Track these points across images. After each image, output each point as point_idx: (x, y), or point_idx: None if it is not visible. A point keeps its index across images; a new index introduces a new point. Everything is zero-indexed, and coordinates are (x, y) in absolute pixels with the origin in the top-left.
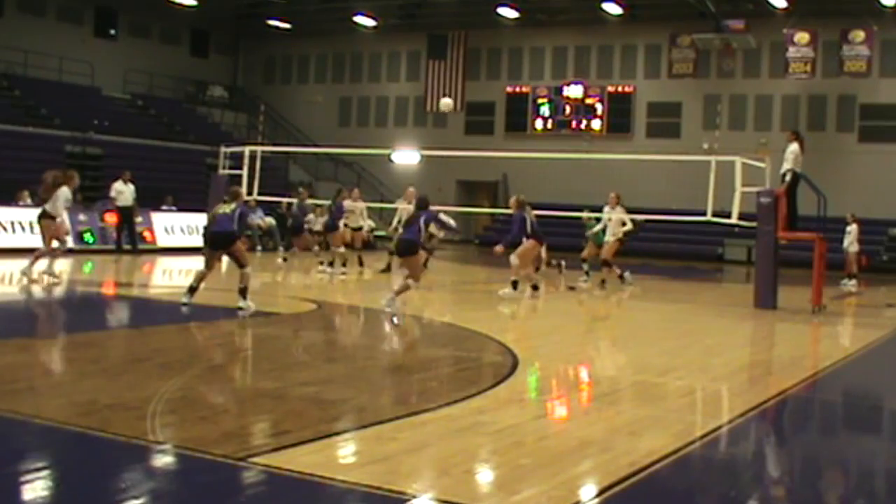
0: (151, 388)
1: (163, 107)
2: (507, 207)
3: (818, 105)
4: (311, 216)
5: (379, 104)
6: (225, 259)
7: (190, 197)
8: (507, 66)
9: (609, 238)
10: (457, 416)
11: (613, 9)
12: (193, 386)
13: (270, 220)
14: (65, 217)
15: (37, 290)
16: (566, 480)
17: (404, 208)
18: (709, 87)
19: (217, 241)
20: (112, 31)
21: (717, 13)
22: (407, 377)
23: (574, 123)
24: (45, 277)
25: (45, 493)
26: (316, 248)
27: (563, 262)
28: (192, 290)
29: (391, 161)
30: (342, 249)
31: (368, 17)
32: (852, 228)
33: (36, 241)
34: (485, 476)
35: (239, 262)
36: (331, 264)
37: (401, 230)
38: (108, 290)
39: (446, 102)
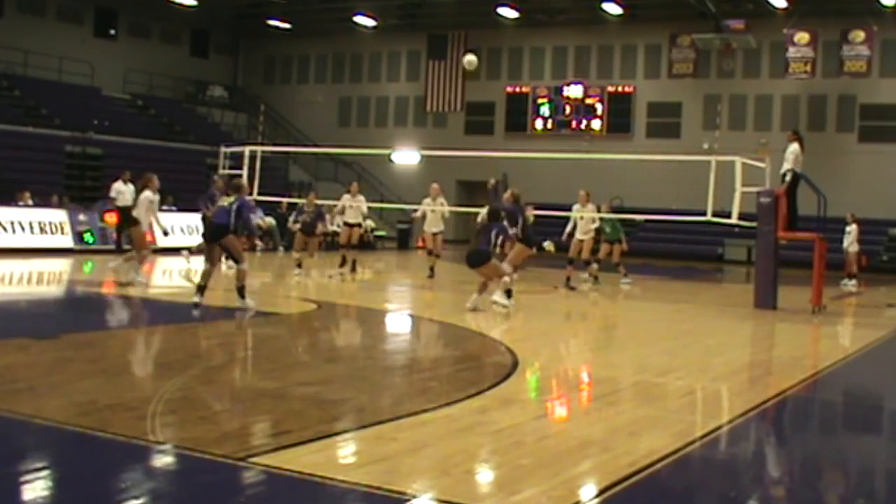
0: (151, 388)
1: (163, 107)
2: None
3: (818, 105)
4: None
5: (379, 104)
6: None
7: (190, 197)
8: (507, 66)
9: (584, 237)
10: (457, 416)
11: (613, 9)
12: (193, 386)
13: (270, 220)
14: (153, 219)
15: (126, 292)
16: (566, 480)
17: (428, 205)
18: (709, 87)
19: (212, 233)
20: (112, 31)
21: (717, 13)
22: (407, 377)
23: (574, 123)
24: (136, 280)
25: (45, 493)
26: (295, 254)
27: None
28: (202, 289)
29: (391, 161)
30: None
31: (368, 17)
32: (852, 228)
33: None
34: (485, 476)
35: (233, 257)
36: (299, 265)
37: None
38: (108, 290)
39: (470, 60)
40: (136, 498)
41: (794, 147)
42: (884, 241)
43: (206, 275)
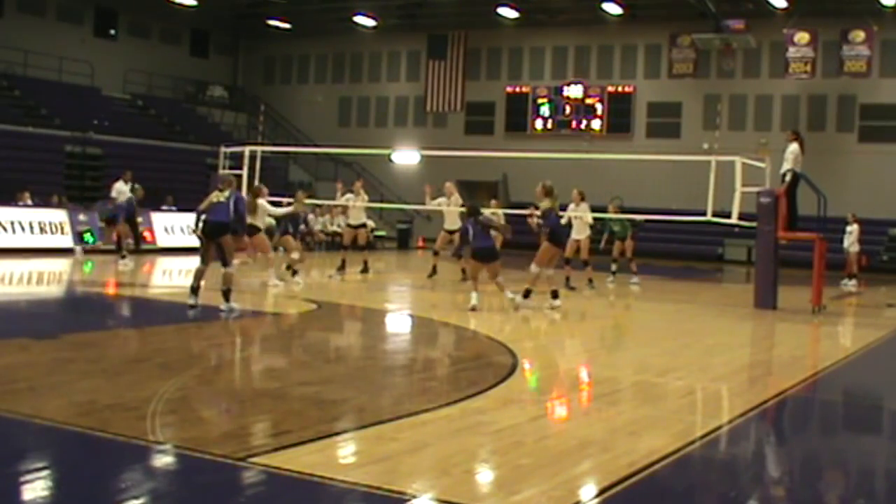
0: (151, 388)
1: (163, 107)
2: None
3: (818, 105)
4: (311, 217)
5: (379, 104)
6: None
7: (190, 197)
8: (507, 66)
9: (580, 236)
10: (457, 416)
11: (613, 9)
12: (193, 386)
13: (270, 221)
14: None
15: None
16: (566, 480)
17: (444, 204)
18: (709, 87)
19: (211, 231)
20: (112, 31)
21: (717, 13)
22: (407, 377)
23: (574, 123)
24: (274, 284)
25: (45, 493)
26: (270, 254)
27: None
28: (195, 290)
29: (391, 161)
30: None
31: (368, 17)
32: (853, 228)
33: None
34: (485, 476)
35: (223, 258)
36: (292, 270)
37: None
38: (109, 290)
39: None
40: (136, 498)
41: (794, 147)
42: (884, 241)
43: (199, 275)
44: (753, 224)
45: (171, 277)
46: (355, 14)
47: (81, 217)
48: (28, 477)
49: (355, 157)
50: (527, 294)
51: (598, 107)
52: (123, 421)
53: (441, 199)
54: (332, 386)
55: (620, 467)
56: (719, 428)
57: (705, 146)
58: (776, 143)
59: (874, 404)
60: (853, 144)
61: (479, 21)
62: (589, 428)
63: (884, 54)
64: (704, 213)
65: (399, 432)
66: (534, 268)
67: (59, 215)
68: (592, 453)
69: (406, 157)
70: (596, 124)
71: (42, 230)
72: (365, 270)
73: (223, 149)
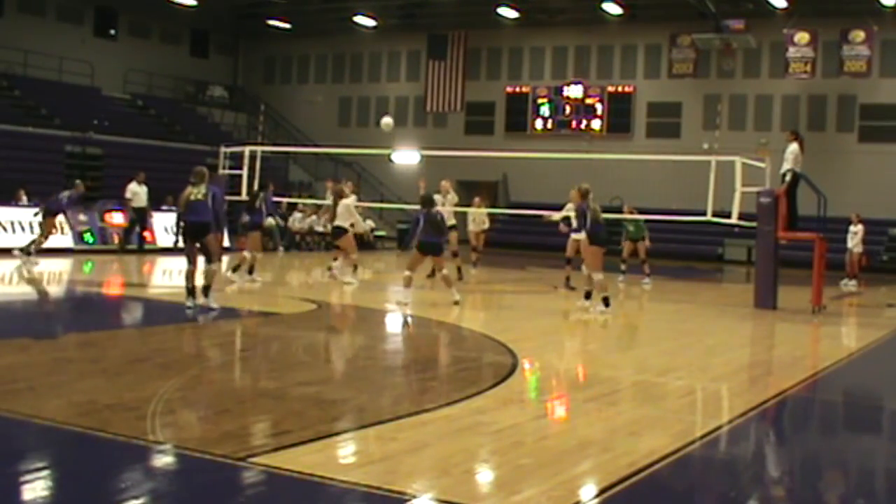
0: (151, 388)
1: (163, 107)
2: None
3: (818, 105)
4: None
5: (379, 104)
6: (246, 254)
7: None
8: (507, 66)
9: (579, 236)
10: (457, 416)
11: (613, 9)
12: (193, 386)
13: (270, 221)
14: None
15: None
16: (566, 480)
17: (439, 202)
18: (709, 87)
19: (194, 231)
20: (112, 31)
21: (717, 13)
22: (407, 377)
23: (574, 123)
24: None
25: (45, 493)
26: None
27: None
28: (191, 291)
29: (391, 161)
30: (251, 254)
31: (368, 17)
32: (858, 229)
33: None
34: (485, 476)
35: (208, 256)
36: (250, 271)
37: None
38: (109, 290)
39: (387, 122)
40: (136, 498)
41: (794, 147)
42: (884, 241)
43: (190, 275)
44: (753, 224)
45: (171, 277)
46: (355, 14)
47: (81, 217)
48: (28, 477)
49: (355, 157)
50: (606, 302)
51: (598, 107)
52: (123, 421)
53: (436, 197)
54: (332, 386)
55: (620, 467)
56: (719, 428)
57: (705, 146)
58: (776, 143)
59: (874, 404)
60: (853, 144)
61: (479, 21)
62: (589, 428)
63: (884, 54)
64: (704, 213)
65: (399, 432)
66: (597, 275)
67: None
68: (592, 453)
69: (406, 157)
70: (596, 124)
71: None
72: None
73: (223, 149)
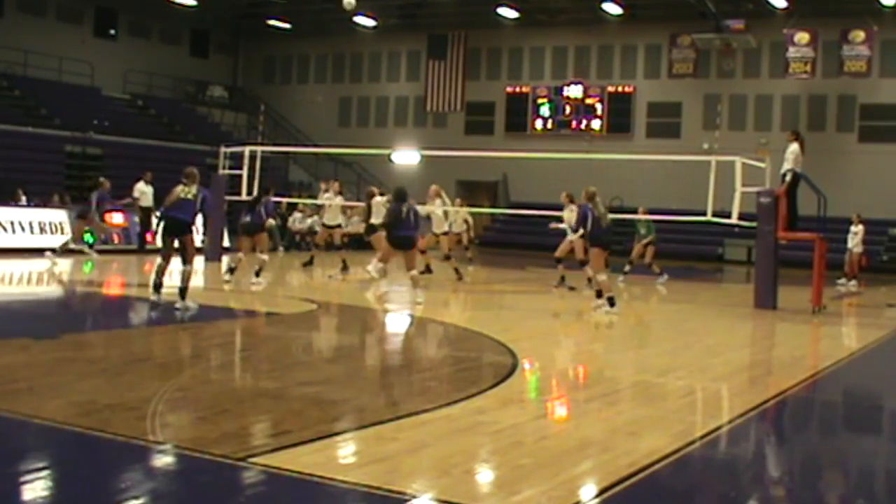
0: (151, 388)
1: (163, 107)
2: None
3: (818, 105)
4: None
5: (379, 104)
6: (262, 256)
7: None
8: (507, 66)
9: (575, 237)
10: (457, 416)
11: (613, 9)
12: (193, 386)
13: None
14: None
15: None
16: (566, 480)
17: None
18: (709, 87)
19: (176, 227)
20: (112, 31)
21: (717, 13)
22: (407, 377)
23: (574, 123)
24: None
25: (45, 493)
26: (240, 255)
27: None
28: (158, 286)
29: (391, 161)
30: (261, 255)
31: (368, 17)
32: (859, 229)
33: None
34: (485, 476)
35: (185, 257)
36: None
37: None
38: (109, 290)
39: (349, 1)
40: (136, 498)
41: (794, 147)
42: (884, 241)
43: (161, 271)
44: (753, 224)
45: (170, 277)
46: (355, 14)
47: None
48: (28, 477)
49: (355, 157)
50: (611, 302)
51: (598, 107)
52: (123, 421)
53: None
54: (332, 386)
55: (620, 467)
56: (719, 428)
57: (705, 146)
58: (776, 143)
59: (874, 404)
60: (853, 144)
61: (479, 21)
62: (589, 428)
63: (884, 54)
64: (704, 213)
65: (399, 432)
66: (599, 276)
67: (59, 215)
68: (592, 453)
69: (406, 157)
70: (596, 124)
71: (42, 230)
72: (345, 269)
73: (223, 149)
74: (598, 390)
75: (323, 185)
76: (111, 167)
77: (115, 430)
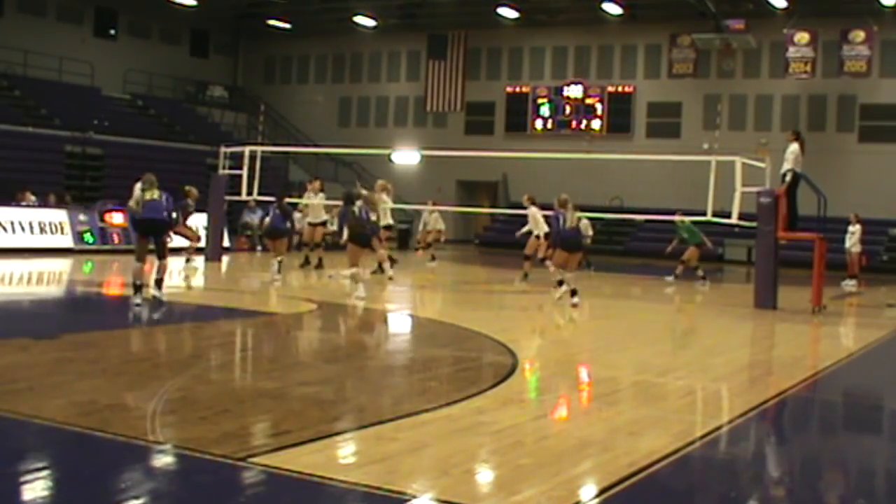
0: (151, 388)
1: (163, 107)
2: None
3: (818, 105)
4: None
5: (379, 104)
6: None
7: None
8: (507, 66)
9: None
10: (457, 416)
11: (613, 9)
12: (193, 386)
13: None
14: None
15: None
16: (566, 480)
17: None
18: (709, 87)
19: (152, 228)
20: (112, 31)
21: (717, 13)
22: (407, 377)
23: (574, 123)
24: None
25: (45, 493)
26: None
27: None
28: (138, 288)
29: (391, 161)
30: (381, 252)
31: (368, 17)
32: (856, 229)
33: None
34: (485, 476)
35: (161, 253)
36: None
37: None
38: (108, 290)
39: None
40: (136, 498)
41: (795, 147)
42: (884, 241)
43: (139, 273)
44: (753, 224)
45: (170, 277)
46: (355, 14)
47: (81, 217)
48: (28, 477)
49: (355, 157)
50: (573, 293)
51: (598, 107)
52: (123, 421)
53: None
54: (332, 386)
55: (620, 467)
56: (719, 428)
57: (705, 146)
58: (776, 143)
59: (874, 404)
60: (853, 144)
61: (479, 21)
62: (589, 428)
63: (884, 54)
64: (704, 213)
65: (399, 432)
66: (552, 268)
67: (59, 215)
68: (592, 453)
69: (406, 157)
70: (596, 124)
71: (42, 230)
72: (319, 266)
73: (223, 149)
74: (598, 390)
75: (308, 186)
76: (111, 167)
77: (115, 430)
